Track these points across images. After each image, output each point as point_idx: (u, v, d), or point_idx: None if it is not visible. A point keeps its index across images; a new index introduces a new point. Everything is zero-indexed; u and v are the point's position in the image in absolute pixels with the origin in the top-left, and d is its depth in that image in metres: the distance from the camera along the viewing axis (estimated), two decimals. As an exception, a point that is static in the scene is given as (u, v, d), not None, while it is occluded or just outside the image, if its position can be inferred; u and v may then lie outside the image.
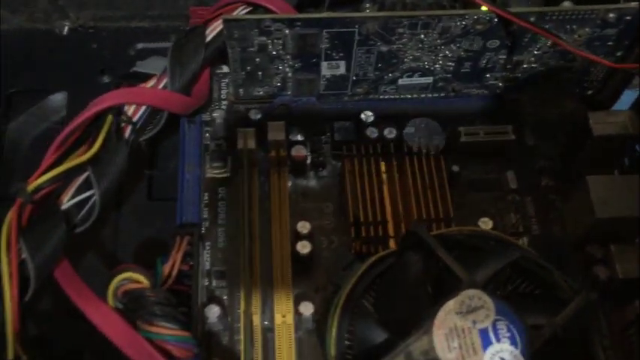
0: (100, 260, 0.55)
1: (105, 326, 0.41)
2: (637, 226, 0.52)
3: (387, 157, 0.59)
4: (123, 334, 0.41)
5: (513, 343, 0.43)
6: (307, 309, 0.53)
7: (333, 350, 0.45)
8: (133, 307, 0.42)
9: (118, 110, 0.47)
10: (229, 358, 0.52)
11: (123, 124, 0.47)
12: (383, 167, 0.59)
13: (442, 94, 0.62)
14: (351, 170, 0.59)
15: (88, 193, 0.44)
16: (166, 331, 0.42)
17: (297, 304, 0.53)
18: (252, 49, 0.53)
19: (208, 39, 0.53)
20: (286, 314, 0.54)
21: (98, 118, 0.46)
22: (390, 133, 0.61)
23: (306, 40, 0.53)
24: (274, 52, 0.54)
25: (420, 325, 0.44)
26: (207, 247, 0.57)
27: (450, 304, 0.44)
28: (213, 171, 0.60)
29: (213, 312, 0.52)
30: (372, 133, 0.61)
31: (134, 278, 0.43)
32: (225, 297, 0.55)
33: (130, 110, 0.48)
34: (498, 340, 0.43)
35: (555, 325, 0.44)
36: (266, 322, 0.53)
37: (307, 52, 0.54)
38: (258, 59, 0.55)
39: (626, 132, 0.55)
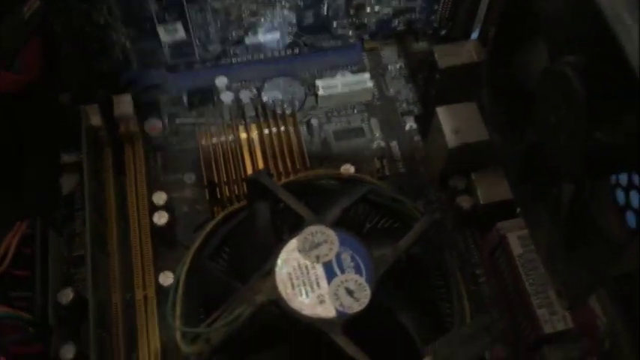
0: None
1: None
2: (490, 150, 0.52)
3: (245, 120, 0.58)
4: None
5: (358, 271, 0.42)
6: (167, 279, 0.50)
7: (177, 310, 0.43)
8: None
9: None
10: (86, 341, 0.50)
11: None
12: (241, 130, 0.58)
13: (296, 51, 0.61)
14: (207, 136, 0.57)
15: None
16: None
17: (157, 276, 0.51)
18: (76, 19, 0.51)
19: (29, 14, 0.51)
20: (148, 288, 0.51)
21: None
22: (246, 96, 0.60)
23: (131, 3, 0.51)
24: (101, 20, 0.52)
25: (262, 268, 0.42)
26: (65, 234, 0.54)
27: (293, 243, 0.43)
28: (70, 156, 0.58)
29: (67, 296, 0.49)
30: (227, 97, 0.60)
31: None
32: (83, 281, 0.52)
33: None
34: (343, 271, 0.42)
35: (398, 250, 0.43)
36: (128, 297, 0.51)
37: (137, 16, 0.53)
38: (87, 30, 0.53)
39: (471, 60, 0.55)
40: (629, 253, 0.32)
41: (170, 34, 0.55)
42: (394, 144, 0.60)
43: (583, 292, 0.38)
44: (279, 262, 0.42)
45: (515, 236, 0.49)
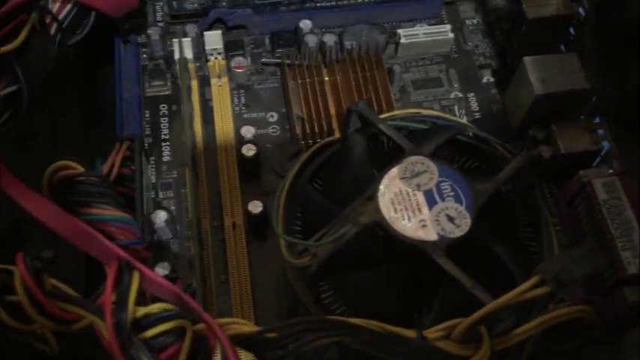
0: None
1: (40, 214, 0.40)
2: (579, 98, 0.53)
3: (328, 62, 0.59)
4: (58, 219, 0.39)
5: (458, 201, 0.43)
6: (256, 207, 0.52)
7: (280, 227, 0.45)
8: (70, 193, 0.41)
9: (42, 7, 0.45)
10: (180, 263, 0.51)
11: (48, 21, 0.45)
12: (324, 72, 0.59)
13: (378, -1, 0.62)
14: (292, 76, 0.58)
15: (14, 87, 0.43)
16: (104, 211, 0.40)
17: (245, 205, 0.53)
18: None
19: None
20: (236, 216, 0.53)
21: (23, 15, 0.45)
22: (330, 39, 0.61)
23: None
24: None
25: (365, 193, 0.44)
26: (152, 162, 0.56)
27: (394, 171, 0.44)
28: (153, 89, 0.60)
29: (160, 217, 0.51)
30: (311, 41, 0.61)
31: (69, 165, 0.42)
32: (173, 207, 0.54)
33: (55, 7, 0.46)
34: (443, 199, 0.43)
35: (498, 182, 0.44)
36: (215, 224, 0.53)
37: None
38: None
39: (559, 13, 0.56)
40: None
41: (263, -28, 0.56)
42: (471, 95, 0.61)
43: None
44: (381, 187, 0.44)
45: (600, 182, 0.50)
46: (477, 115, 0.60)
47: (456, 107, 0.60)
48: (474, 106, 0.61)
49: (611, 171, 0.53)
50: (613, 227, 0.49)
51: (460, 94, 0.61)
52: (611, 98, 0.43)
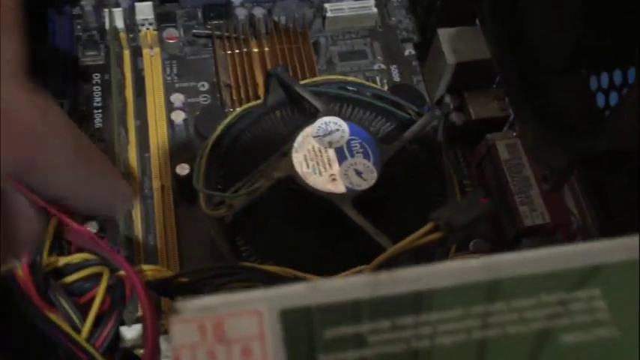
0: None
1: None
2: (487, 67, 0.57)
3: (257, 34, 0.62)
4: None
5: (366, 157, 0.47)
6: (183, 169, 0.54)
7: (201, 183, 0.47)
8: None
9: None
10: (109, 224, 0.53)
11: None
12: (253, 44, 0.62)
13: (307, -26, 0.65)
14: (222, 47, 0.61)
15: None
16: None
17: (173, 168, 0.55)
18: None
19: None
20: (164, 179, 0.55)
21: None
22: (259, 12, 0.64)
23: None
24: None
25: (279, 150, 0.47)
26: (83, 128, 0.58)
27: (308, 130, 0.48)
28: (87, 59, 0.61)
29: (90, 179, 0.53)
30: (241, 13, 0.63)
31: None
32: (104, 171, 0.56)
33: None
34: (352, 155, 0.47)
35: (404, 140, 0.48)
36: (146, 190, 0.55)
37: None
38: None
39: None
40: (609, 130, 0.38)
41: (191, -55, 0.59)
42: (394, 67, 0.65)
43: (563, 174, 0.43)
44: (295, 144, 0.47)
45: (503, 144, 0.55)
46: (399, 84, 0.64)
47: (377, 78, 0.63)
48: (396, 77, 0.64)
49: (514, 134, 0.57)
50: (513, 184, 0.53)
51: (383, 66, 0.65)
52: (505, 65, 0.47)
